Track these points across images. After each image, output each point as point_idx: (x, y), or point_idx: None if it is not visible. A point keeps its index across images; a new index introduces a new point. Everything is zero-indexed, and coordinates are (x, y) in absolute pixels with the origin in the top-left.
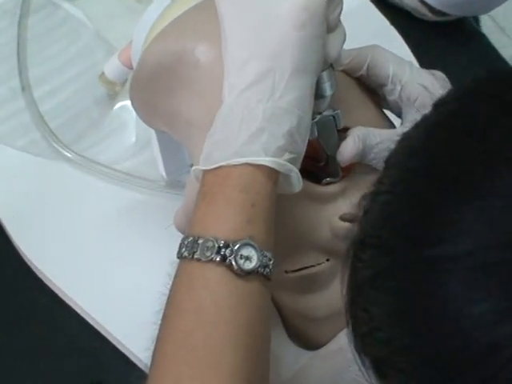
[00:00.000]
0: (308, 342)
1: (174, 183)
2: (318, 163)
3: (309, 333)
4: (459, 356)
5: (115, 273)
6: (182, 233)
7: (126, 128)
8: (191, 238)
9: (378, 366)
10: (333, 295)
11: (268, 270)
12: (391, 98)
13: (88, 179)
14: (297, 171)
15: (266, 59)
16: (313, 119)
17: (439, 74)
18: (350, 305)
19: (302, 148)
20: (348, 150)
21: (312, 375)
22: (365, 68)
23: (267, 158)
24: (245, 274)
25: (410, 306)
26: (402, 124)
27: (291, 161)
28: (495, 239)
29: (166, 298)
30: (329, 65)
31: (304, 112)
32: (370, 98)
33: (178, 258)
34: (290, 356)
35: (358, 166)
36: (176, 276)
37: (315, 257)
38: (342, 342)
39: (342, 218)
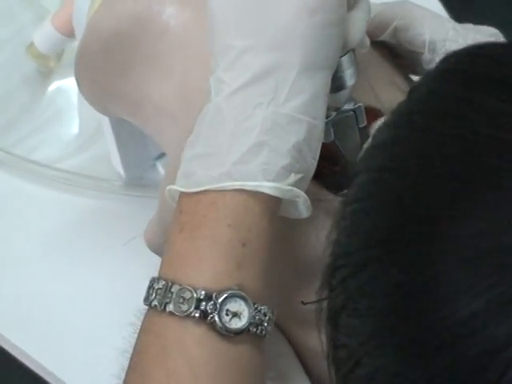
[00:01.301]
0: None
1: (135, 182)
2: (333, 166)
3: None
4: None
5: (58, 313)
6: (156, 253)
7: (65, 115)
8: (163, 283)
9: None
10: None
11: (262, 329)
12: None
13: (19, 183)
14: (305, 197)
15: (268, 51)
16: (327, 117)
17: (491, 30)
18: (330, 347)
19: (312, 164)
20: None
21: None
22: (390, 30)
23: (267, 184)
24: (232, 335)
25: (392, 323)
26: None
27: (298, 184)
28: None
29: (127, 357)
30: (349, 49)
31: (316, 119)
32: (400, 74)
33: (146, 305)
34: None
35: None
36: (143, 331)
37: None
38: None
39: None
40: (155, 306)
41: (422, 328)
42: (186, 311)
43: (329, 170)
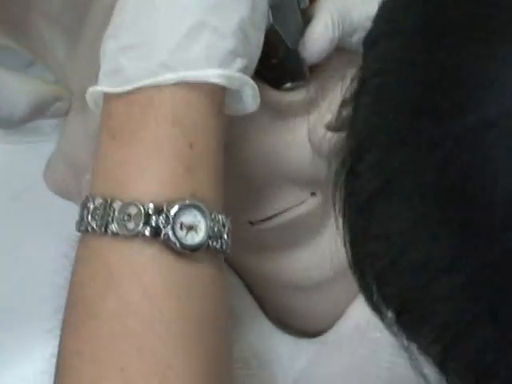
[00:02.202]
0: (301, 325)
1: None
2: (272, 59)
3: (299, 309)
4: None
5: None
6: (62, 195)
7: None
8: (100, 201)
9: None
10: (330, 243)
11: (223, 242)
12: None
13: None
14: (253, 84)
15: None
16: None
17: None
18: (354, 242)
19: (257, 47)
20: (317, 40)
21: (322, 377)
22: None
23: (212, 71)
24: (189, 252)
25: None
26: None
27: (244, 70)
28: None
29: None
30: None
31: None
32: None
33: (81, 231)
34: (283, 353)
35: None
36: (81, 260)
37: (294, 194)
38: (357, 317)
39: (329, 127)
40: (93, 229)
41: (480, 204)
42: (134, 230)
43: (266, 65)
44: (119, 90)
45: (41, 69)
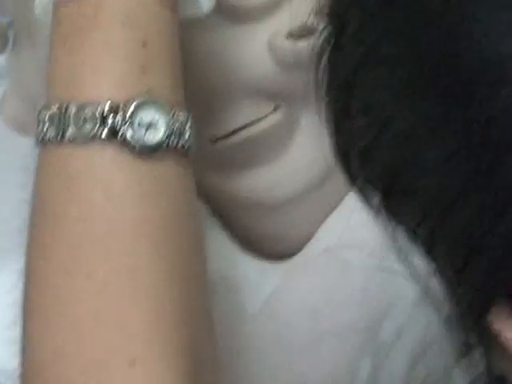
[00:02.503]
0: (268, 247)
1: None
2: None
3: (266, 231)
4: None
5: None
6: (19, 130)
7: None
8: (56, 107)
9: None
10: (295, 161)
11: (186, 140)
12: None
13: None
14: None
15: None
16: None
17: None
18: (336, 120)
19: None
20: None
21: (292, 300)
22: None
23: None
24: (149, 152)
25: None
26: None
27: None
28: None
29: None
30: None
31: None
32: None
33: (39, 142)
34: (251, 276)
35: None
36: (40, 171)
37: (256, 107)
38: (327, 239)
39: (292, 35)
40: (50, 138)
41: (467, 66)
42: (91, 132)
43: None
44: None
45: None
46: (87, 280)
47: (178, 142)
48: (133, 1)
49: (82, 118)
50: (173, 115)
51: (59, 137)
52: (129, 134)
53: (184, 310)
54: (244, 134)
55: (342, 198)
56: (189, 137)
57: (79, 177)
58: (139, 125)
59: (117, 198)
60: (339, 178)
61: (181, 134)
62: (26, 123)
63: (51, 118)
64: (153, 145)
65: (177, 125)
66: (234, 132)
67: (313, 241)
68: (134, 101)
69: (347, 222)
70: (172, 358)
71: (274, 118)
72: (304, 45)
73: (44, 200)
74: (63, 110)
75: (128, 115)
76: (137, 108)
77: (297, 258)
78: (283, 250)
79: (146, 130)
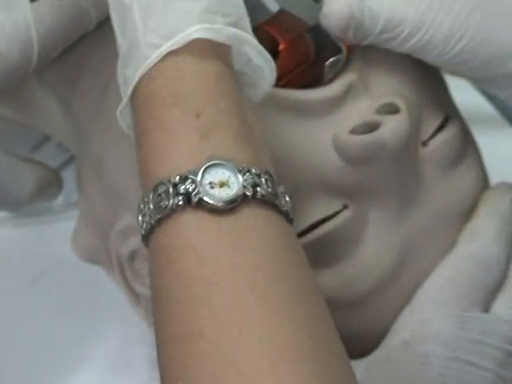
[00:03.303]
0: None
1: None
2: (300, 65)
3: (343, 330)
4: None
5: None
6: (91, 261)
7: None
8: (145, 201)
9: None
10: (366, 257)
11: (265, 190)
12: None
13: None
14: (256, 42)
15: None
16: None
17: None
18: None
19: (241, 6)
20: (334, 8)
21: None
22: None
23: (193, 28)
24: (227, 205)
25: None
26: None
27: (232, 25)
28: None
29: None
30: None
31: None
32: None
33: (144, 238)
34: None
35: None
36: (151, 273)
37: (324, 204)
38: (402, 331)
39: (354, 132)
40: (152, 224)
41: None
42: (167, 205)
43: (298, 77)
44: (128, 95)
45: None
46: None
47: (253, 192)
48: (171, 75)
49: (159, 197)
50: (241, 170)
51: (147, 229)
52: (203, 196)
53: None
54: (316, 233)
55: (414, 290)
56: (266, 187)
57: (175, 254)
58: (211, 185)
59: (212, 263)
60: (411, 271)
61: (256, 184)
62: (96, 251)
63: (144, 211)
64: (229, 199)
65: (248, 177)
66: (305, 232)
67: (390, 335)
68: (201, 166)
69: (421, 314)
70: None
71: (345, 216)
72: (369, 139)
73: (155, 285)
74: (147, 200)
75: (198, 181)
76: (205, 171)
77: (375, 354)
78: (361, 349)
79: (220, 188)
